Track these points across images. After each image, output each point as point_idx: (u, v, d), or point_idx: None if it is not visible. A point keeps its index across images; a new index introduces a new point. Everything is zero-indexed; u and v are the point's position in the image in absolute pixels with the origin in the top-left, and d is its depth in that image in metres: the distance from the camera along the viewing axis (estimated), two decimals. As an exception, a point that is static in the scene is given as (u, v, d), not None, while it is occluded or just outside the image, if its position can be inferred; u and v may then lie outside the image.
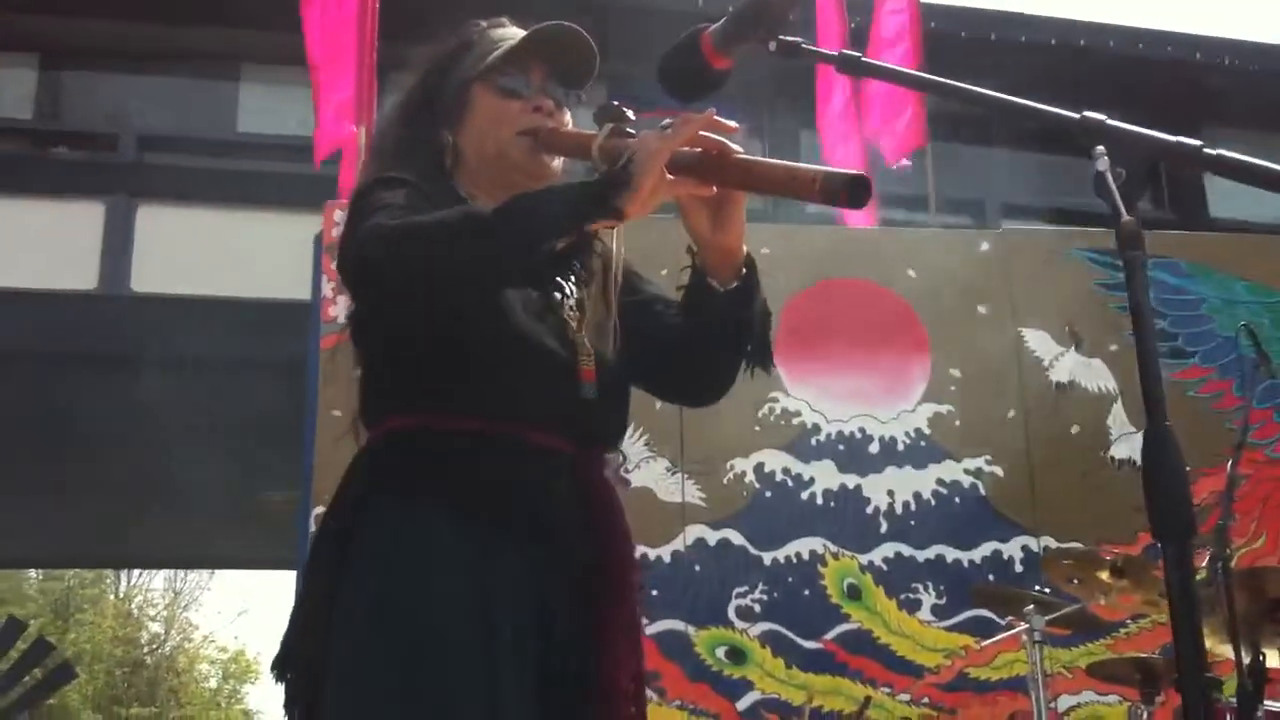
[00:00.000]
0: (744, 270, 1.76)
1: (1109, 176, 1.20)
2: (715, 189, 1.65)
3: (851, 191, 1.47)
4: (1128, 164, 1.21)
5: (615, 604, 1.70)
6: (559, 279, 1.73)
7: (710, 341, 1.81)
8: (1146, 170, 1.22)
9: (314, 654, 1.64)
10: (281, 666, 1.70)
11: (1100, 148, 1.21)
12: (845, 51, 1.49)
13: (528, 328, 1.71)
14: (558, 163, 1.85)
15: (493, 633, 1.59)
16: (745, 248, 1.76)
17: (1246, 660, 3.04)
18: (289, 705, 1.69)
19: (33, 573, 21.82)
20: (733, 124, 1.61)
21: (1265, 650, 3.26)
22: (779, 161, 1.59)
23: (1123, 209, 1.18)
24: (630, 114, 1.68)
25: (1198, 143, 1.18)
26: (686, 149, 1.58)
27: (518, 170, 1.82)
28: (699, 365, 1.87)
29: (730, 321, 1.78)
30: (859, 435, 5.01)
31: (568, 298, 1.79)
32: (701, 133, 1.58)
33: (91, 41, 8.90)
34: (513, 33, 1.88)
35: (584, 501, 1.72)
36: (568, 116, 1.87)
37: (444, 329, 1.67)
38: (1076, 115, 1.24)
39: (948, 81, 1.38)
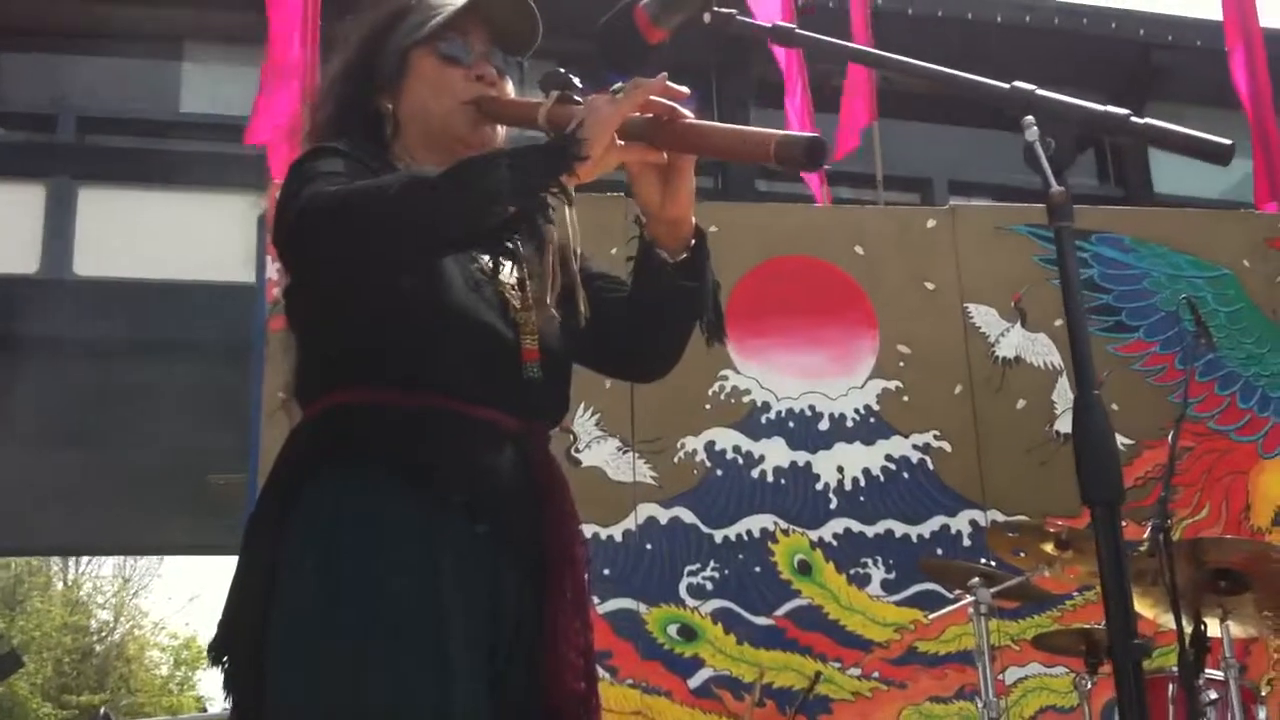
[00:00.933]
0: (693, 241, 1.75)
1: (1038, 147, 1.20)
2: (666, 155, 1.63)
3: (808, 154, 1.45)
4: (1057, 134, 1.22)
5: (562, 578, 1.69)
6: (506, 249, 1.67)
7: (659, 314, 1.78)
8: (1077, 141, 1.23)
9: (254, 632, 1.59)
10: (220, 648, 1.65)
11: (1029, 118, 1.21)
12: (779, 23, 1.49)
13: (469, 305, 1.69)
14: (501, 132, 1.82)
15: (444, 605, 1.57)
16: (694, 218, 1.74)
17: (1189, 630, 3.09)
18: (228, 686, 1.64)
19: (-21, 561, 21.53)
20: (684, 89, 1.59)
21: (1206, 620, 3.31)
22: (732, 125, 1.57)
23: (1052, 179, 1.18)
24: (576, 80, 1.65)
25: (1125, 111, 1.18)
26: (637, 114, 1.56)
27: (459, 141, 1.78)
28: (646, 339, 1.84)
29: (680, 293, 1.75)
30: (809, 412, 5.02)
31: (508, 272, 1.76)
32: (652, 98, 1.57)
33: (30, 20, 8.73)
34: None
35: (529, 476, 1.70)
36: (509, 85, 1.84)
37: (384, 303, 1.64)
38: (1006, 85, 1.24)
39: (878, 52, 1.38)
